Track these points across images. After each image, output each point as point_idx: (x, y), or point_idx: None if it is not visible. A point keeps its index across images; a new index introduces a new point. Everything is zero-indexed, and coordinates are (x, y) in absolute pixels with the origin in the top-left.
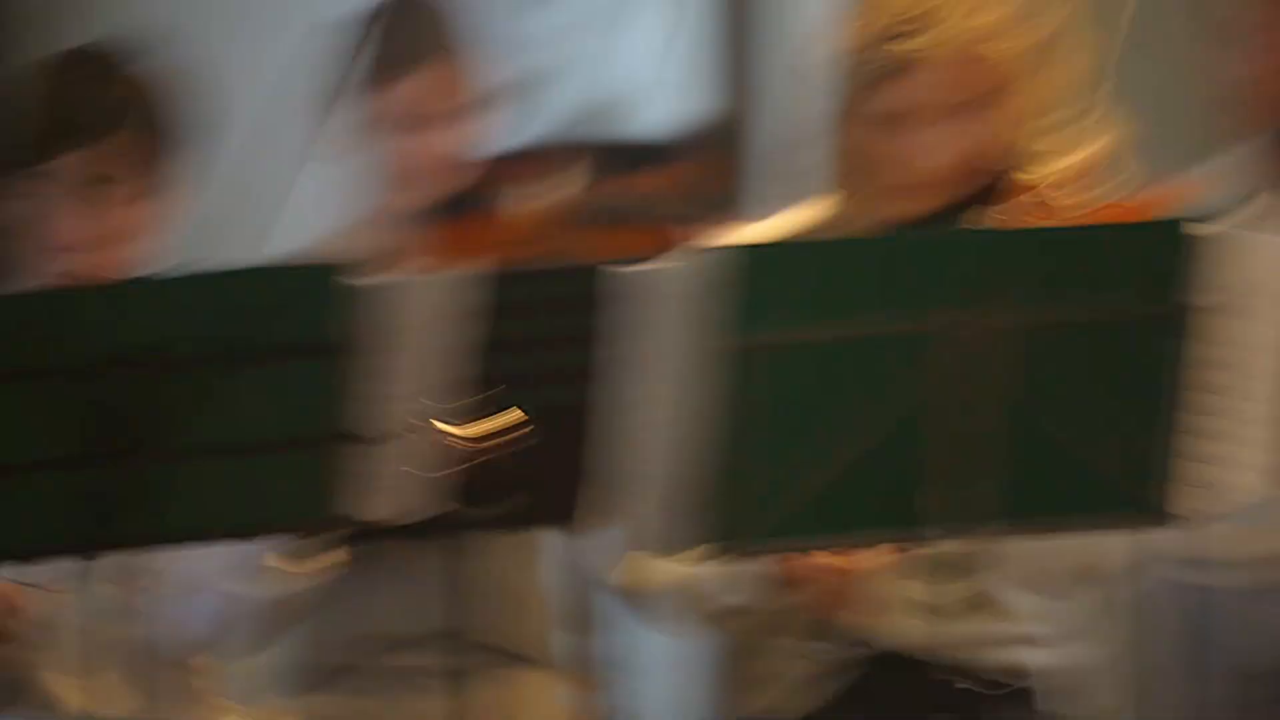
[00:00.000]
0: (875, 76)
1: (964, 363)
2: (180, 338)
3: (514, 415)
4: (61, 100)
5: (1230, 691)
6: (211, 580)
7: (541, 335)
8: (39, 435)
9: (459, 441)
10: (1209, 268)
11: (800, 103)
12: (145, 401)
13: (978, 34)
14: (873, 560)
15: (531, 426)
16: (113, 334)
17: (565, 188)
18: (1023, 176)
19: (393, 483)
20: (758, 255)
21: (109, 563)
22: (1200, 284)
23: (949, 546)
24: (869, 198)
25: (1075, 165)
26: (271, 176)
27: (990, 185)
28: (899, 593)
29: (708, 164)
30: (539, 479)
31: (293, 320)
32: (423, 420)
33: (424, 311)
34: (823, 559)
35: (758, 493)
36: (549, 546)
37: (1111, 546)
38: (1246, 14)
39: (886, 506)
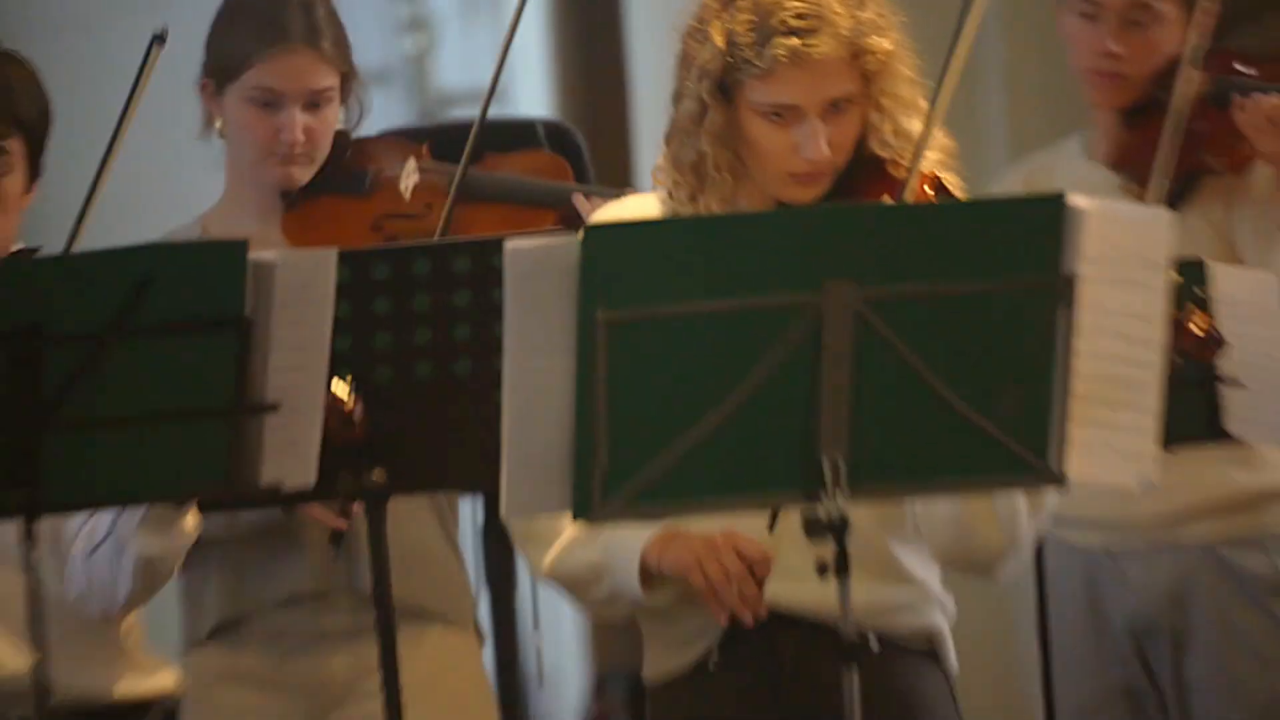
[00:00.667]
0: (762, 72)
1: (855, 332)
2: (64, 314)
3: (351, 396)
4: None
5: (1123, 647)
6: (123, 540)
7: (420, 309)
8: None
9: (346, 409)
10: (1086, 239)
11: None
12: (35, 368)
13: (856, 31)
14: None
15: (406, 396)
16: (17, 297)
17: (429, 169)
18: (897, 164)
19: (287, 448)
20: (638, 233)
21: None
22: (1079, 255)
23: (835, 509)
24: (753, 185)
25: (941, 150)
26: (149, 161)
27: (870, 173)
28: (802, 560)
29: (568, 150)
30: (418, 447)
31: (183, 289)
32: (313, 389)
33: (307, 283)
34: (713, 544)
35: (646, 453)
36: (459, 509)
37: (1004, 535)
38: (1061, 24)
39: (776, 466)
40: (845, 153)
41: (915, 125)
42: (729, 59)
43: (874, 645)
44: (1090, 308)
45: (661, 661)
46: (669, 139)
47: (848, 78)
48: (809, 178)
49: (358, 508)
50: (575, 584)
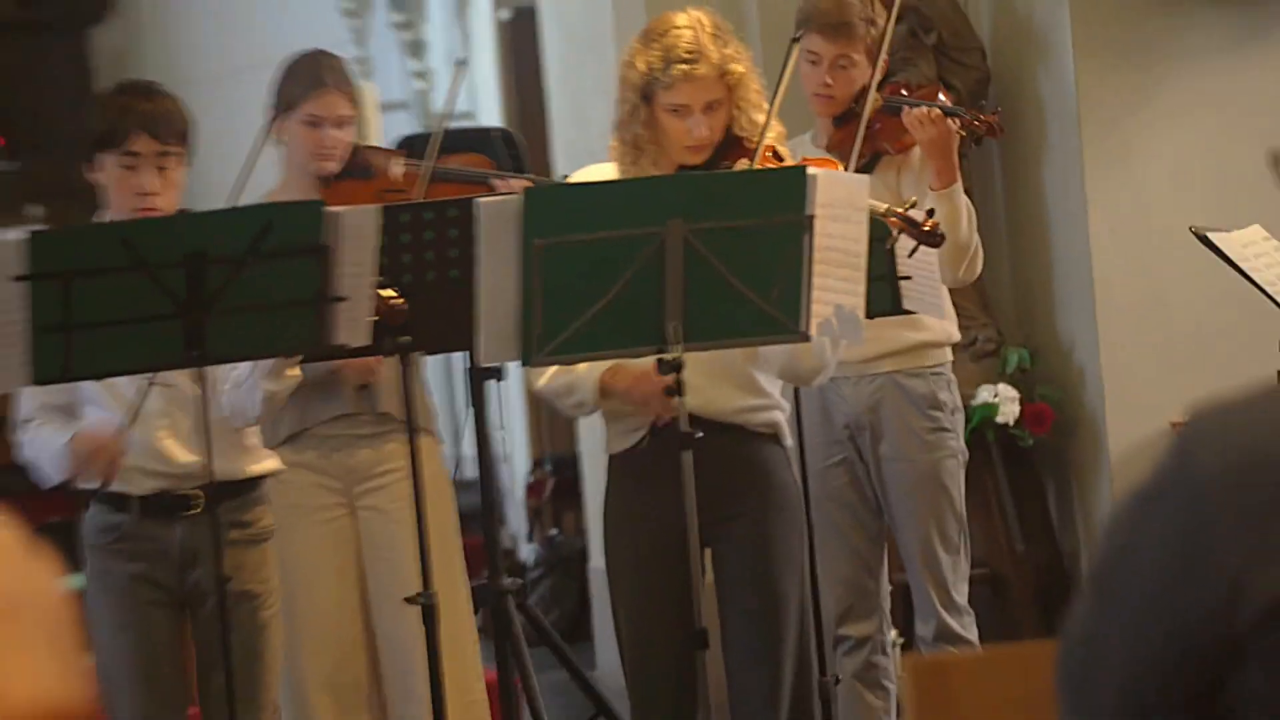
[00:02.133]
0: (668, 85)
1: (685, 249)
2: (218, 245)
3: (399, 296)
4: (142, 108)
5: (842, 436)
6: (255, 381)
7: (428, 239)
8: (144, 301)
9: (393, 302)
10: (818, 193)
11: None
12: (199, 280)
13: (724, 61)
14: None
15: (421, 292)
16: (179, 242)
17: (415, 163)
18: (751, 141)
19: (350, 323)
20: (554, 192)
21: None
22: (814, 202)
23: (679, 352)
24: (665, 155)
25: (778, 134)
26: (241, 156)
27: (734, 147)
28: (700, 369)
29: (512, 147)
30: (429, 323)
31: (288, 232)
32: (365, 288)
33: (361, 226)
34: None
35: (564, 323)
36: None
37: (817, 359)
38: (800, 67)
39: (643, 331)
40: (718, 134)
41: (760, 118)
42: (648, 78)
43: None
44: (820, 234)
45: (616, 443)
46: (616, 128)
47: (718, 88)
48: (697, 149)
49: (377, 363)
50: (557, 395)
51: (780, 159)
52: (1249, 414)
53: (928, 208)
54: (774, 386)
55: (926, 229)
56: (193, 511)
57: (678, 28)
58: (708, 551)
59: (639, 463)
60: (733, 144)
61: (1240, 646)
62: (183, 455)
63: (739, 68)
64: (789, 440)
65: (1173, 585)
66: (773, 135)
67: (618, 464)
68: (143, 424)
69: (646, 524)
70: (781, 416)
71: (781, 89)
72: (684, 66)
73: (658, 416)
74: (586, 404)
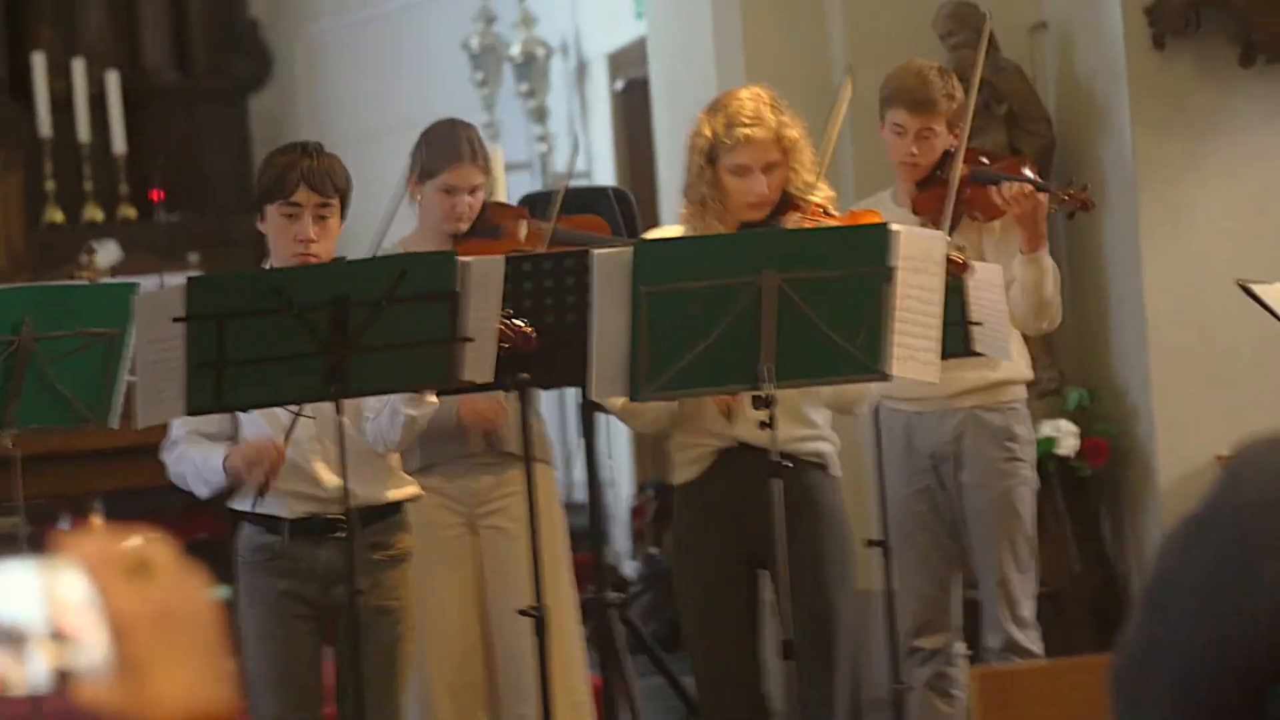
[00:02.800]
0: (730, 147)
1: (778, 296)
2: (360, 289)
3: (530, 327)
4: (304, 164)
5: (924, 465)
6: (395, 410)
7: (548, 286)
8: (292, 340)
9: (511, 337)
10: (899, 247)
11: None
12: (342, 321)
13: (780, 127)
14: (737, 399)
15: (540, 331)
16: (324, 288)
17: (540, 223)
18: (804, 201)
19: (483, 360)
20: (662, 245)
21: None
22: (896, 254)
23: (772, 390)
24: (728, 213)
25: (827, 197)
26: (378, 210)
27: (789, 205)
28: (750, 413)
29: (624, 204)
30: (547, 361)
31: (422, 279)
32: (490, 329)
33: (487, 275)
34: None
35: (668, 363)
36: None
37: (859, 391)
38: (883, 137)
39: (738, 370)
40: (775, 193)
41: (812, 179)
42: (713, 142)
43: (789, 463)
44: (902, 283)
45: (681, 473)
46: (684, 190)
47: (775, 151)
48: (757, 206)
49: (500, 416)
50: (628, 416)
51: (830, 216)
52: None
53: (958, 244)
54: (822, 419)
55: (956, 263)
56: (338, 534)
57: (740, 99)
58: (765, 575)
59: (699, 492)
60: (788, 203)
61: None
62: (331, 480)
63: (793, 134)
64: (838, 471)
65: (1221, 601)
66: (823, 196)
67: (682, 494)
68: (295, 449)
69: (707, 550)
70: (830, 448)
71: (827, 154)
72: (745, 130)
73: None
74: (653, 425)
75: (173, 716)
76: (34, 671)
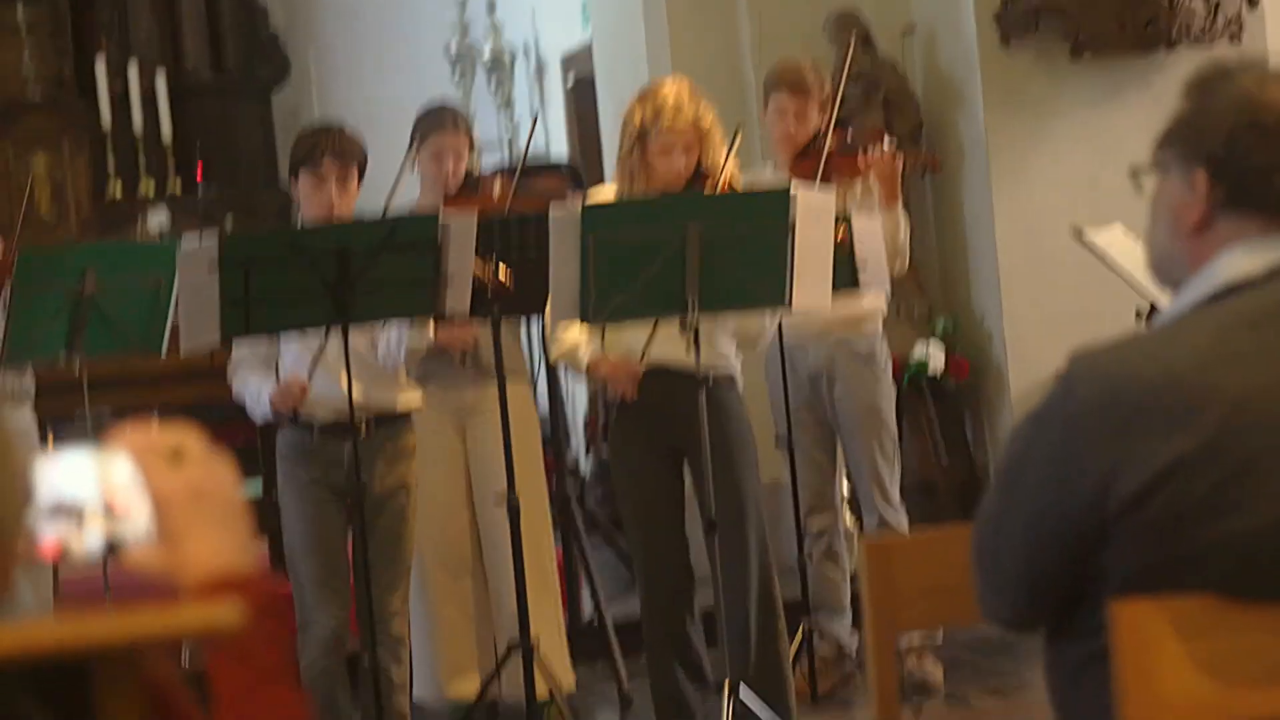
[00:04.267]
0: (657, 133)
1: (700, 243)
2: (359, 239)
3: (504, 267)
4: (329, 140)
5: (805, 383)
6: (400, 336)
7: (515, 234)
8: (305, 279)
9: (493, 277)
10: (798, 204)
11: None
12: (345, 267)
13: (698, 116)
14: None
15: (513, 271)
16: (331, 243)
17: (506, 181)
18: (714, 175)
19: (457, 294)
20: (605, 206)
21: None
22: (795, 210)
23: (693, 319)
24: (651, 185)
25: (732, 173)
26: (382, 181)
27: (701, 178)
28: (672, 336)
29: (574, 176)
30: (515, 294)
31: (410, 234)
32: (465, 272)
33: (465, 229)
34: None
35: (610, 295)
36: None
37: (759, 330)
38: (766, 116)
39: (668, 301)
40: (690, 168)
41: (721, 156)
42: (642, 128)
43: (710, 379)
44: (800, 233)
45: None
46: (618, 163)
47: (693, 135)
48: (676, 180)
49: (472, 337)
50: (566, 366)
51: (733, 188)
52: (1117, 354)
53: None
54: (729, 348)
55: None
56: (359, 435)
57: (664, 91)
58: (684, 461)
59: (630, 404)
60: (699, 176)
61: (1106, 529)
62: (353, 393)
63: (706, 122)
64: (741, 386)
65: (1058, 481)
66: (729, 172)
67: (616, 407)
68: (324, 368)
69: (640, 448)
70: (736, 369)
71: (737, 141)
72: (669, 120)
73: (626, 393)
74: (582, 375)
75: (204, 577)
76: (90, 541)
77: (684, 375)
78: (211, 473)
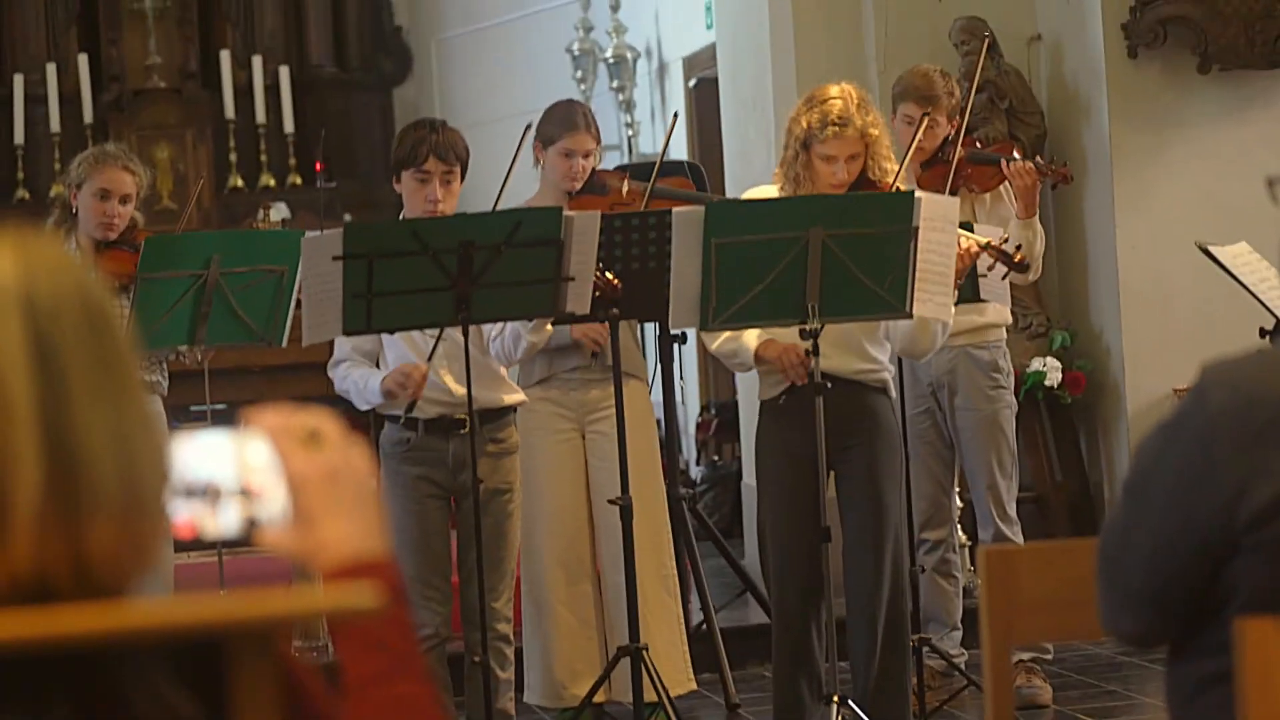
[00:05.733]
0: (822, 140)
1: (823, 248)
2: (482, 232)
3: (615, 278)
4: (432, 138)
5: (925, 391)
6: (518, 334)
7: (636, 238)
8: (427, 274)
9: (614, 283)
10: (921, 211)
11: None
12: (467, 262)
13: (865, 126)
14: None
15: (631, 277)
16: (453, 235)
17: (633, 183)
18: (882, 184)
19: (577, 296)
20: (728, 204)
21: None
22: (919, 217)
23: (814, 327)
24: (815, 189)
25: (896, 176)
26: (496, 178)
27: (864, 187)
28: (830, 340)
29: (696, 176)
30: (635, 299)
31: (533, 230)
32: (588, 272)
33: (586, 227)
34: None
35: (731, 300)
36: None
37: (931, 342)
38: (895, 127)
39: (789, 308)
40: (854, 177)
41: (889, 166)
42: (808, 133)
43: (828, 384)
44: (923, 239)
45: (766, 392)
46: (781, 165)
47: (858, 145)
48: (837, 188)
49: (603, 335)
50: (725, 356)
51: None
52: (1250, 366)
53: (1016, 243)
54: (883, 354)
55: (1016, 260)
56: (463, 431)
57: (832, 98)
58: (832, 473)
59: (781, 407)
60: (866, 185)
61: (1235, 542)
62: (458, 388)
63: (874, 131)
64: (894, 394)
65: (1188, 492)
66: (896, 180)
67: (766, 408)
68: (430, 366)
69: (787, 452)
70: (889, 377)
71: (909, 154)
72: (835, 128)
73: (795, 376)
74: (746, 364)
75: (337, 558)
76: (226, 521)
77: (840, 381)
78: (347, 458)
